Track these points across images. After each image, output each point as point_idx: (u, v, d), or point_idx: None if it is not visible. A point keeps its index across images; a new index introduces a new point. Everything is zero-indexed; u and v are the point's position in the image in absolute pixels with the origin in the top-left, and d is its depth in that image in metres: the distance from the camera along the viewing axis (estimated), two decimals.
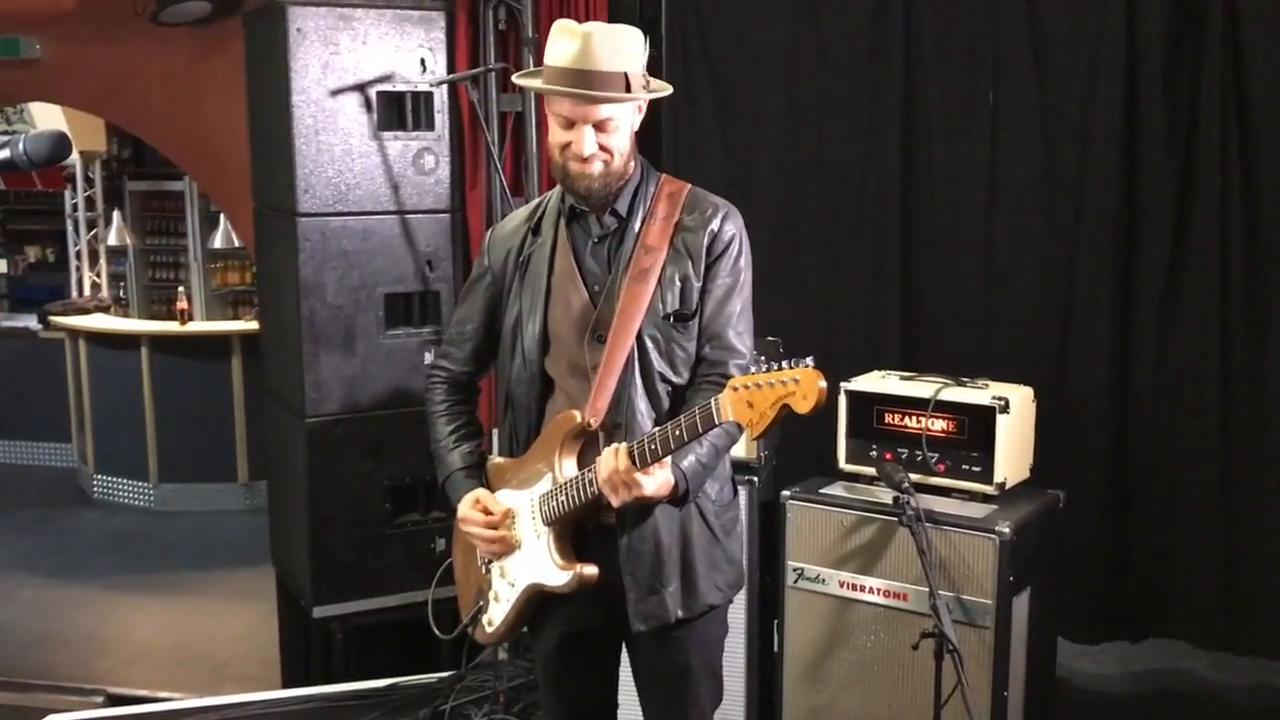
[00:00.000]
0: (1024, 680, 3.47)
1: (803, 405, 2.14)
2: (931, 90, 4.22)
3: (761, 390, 2.17)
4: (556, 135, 2.52)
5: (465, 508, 2.66)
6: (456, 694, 4.23)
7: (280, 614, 5.08)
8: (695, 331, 2.56)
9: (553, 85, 2.47)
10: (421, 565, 4.51)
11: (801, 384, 2.14)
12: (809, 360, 2.17)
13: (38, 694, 5.19)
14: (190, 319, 8.46)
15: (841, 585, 3.55)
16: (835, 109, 4.38)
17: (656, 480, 2.39)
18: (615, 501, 2.40)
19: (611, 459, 2.37)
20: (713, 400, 2.25)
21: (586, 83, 2.43)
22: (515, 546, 2.61)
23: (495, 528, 2.62)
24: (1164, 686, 4.37)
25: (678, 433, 2.31)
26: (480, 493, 2.66)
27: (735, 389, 2.20)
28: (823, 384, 2.14)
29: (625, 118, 2.51)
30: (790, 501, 3.64)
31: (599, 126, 2.47)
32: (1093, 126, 3.96)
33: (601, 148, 2.48)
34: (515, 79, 2.86)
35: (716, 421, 2.26)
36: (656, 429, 2.36)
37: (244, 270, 9.57)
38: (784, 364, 2.17)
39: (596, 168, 2.50)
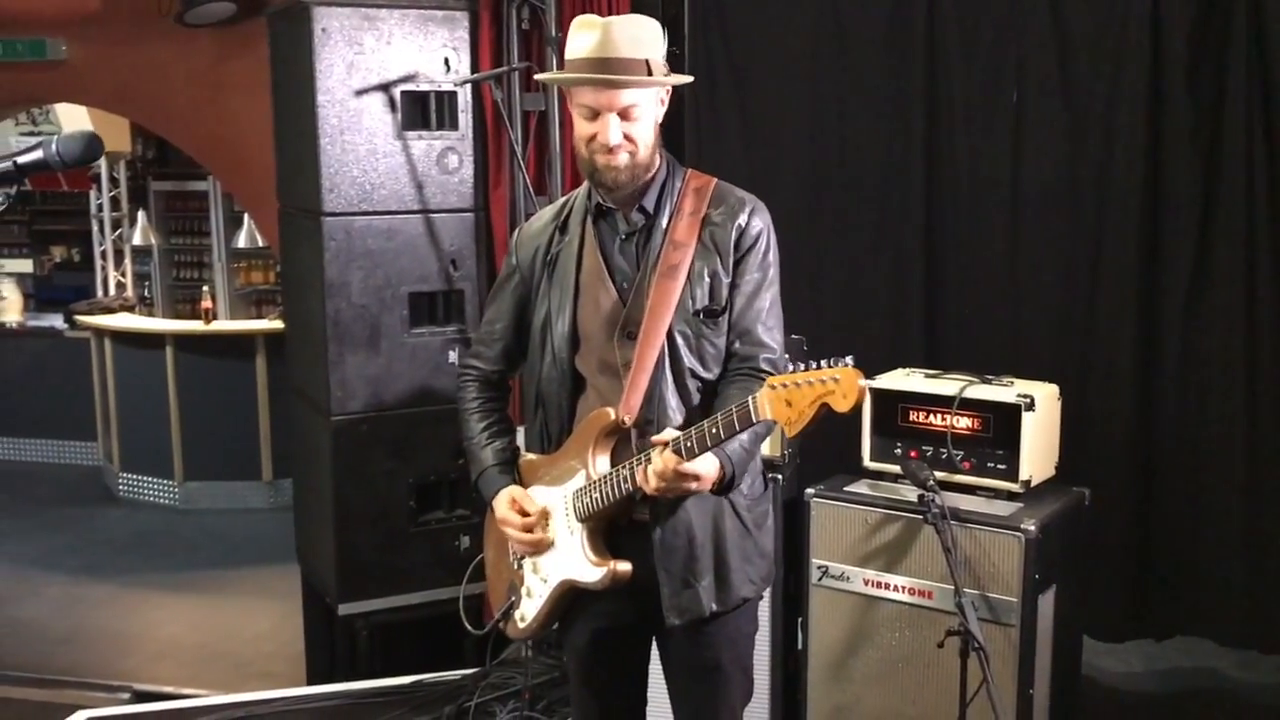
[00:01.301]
0: (1049, 678, 3.46)
1: (842, 404, 2.15)
2: (955, 87, 4.21)
3: (800, 389, 2.17)
4: (582, 128, 2.52)
5: (502, 507, 2.66)
6: (481, 691, 4.24)
7: (305, 611, 5.11)
8: (725, 327, 2.56)
9: (575, 75, 2.49)
10: (446, 563, 4.54)
11: (841, 383, 2.15)
12: (849, 359, 2.18)
13: (65, 690, 5.23)
14: (214, 318, 8.51)
15: (866, 583, 3.55)
16: (857, 106, 4.38)
17: (705, 464, 2.39)
18: (671, 495, 2.42)
19: (658, 462, 2.36)
20: (750, 399, 2.25)
21: (609, 70, 2.44)
22: (549, 544, 2.63)
23: (531, 529, 2.63)
24: (1190, 685, 4.36)
25: (715, 430, 2.31)
26: (516, 491, 2.67)
27: (773, 387, 2.21)
28: (863, 383, 2.15)
29: (649, 106, 2.51)
30: (815, 499, 3.64)
31: (623, 115, 2.47)
32: (1117, 122, 3.95)
33: (626, 138, 2.48)
34: (538, 77, 2.87)
35: (754, 420, 2.26)
36: (693, 427, 2.36)
37: (267, 270, 9.62)
38: (822, 363, 2.18)
39: (623, 159, 2.49)
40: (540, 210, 2.85)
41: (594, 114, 2.48)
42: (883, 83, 4.32)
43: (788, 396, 2.19)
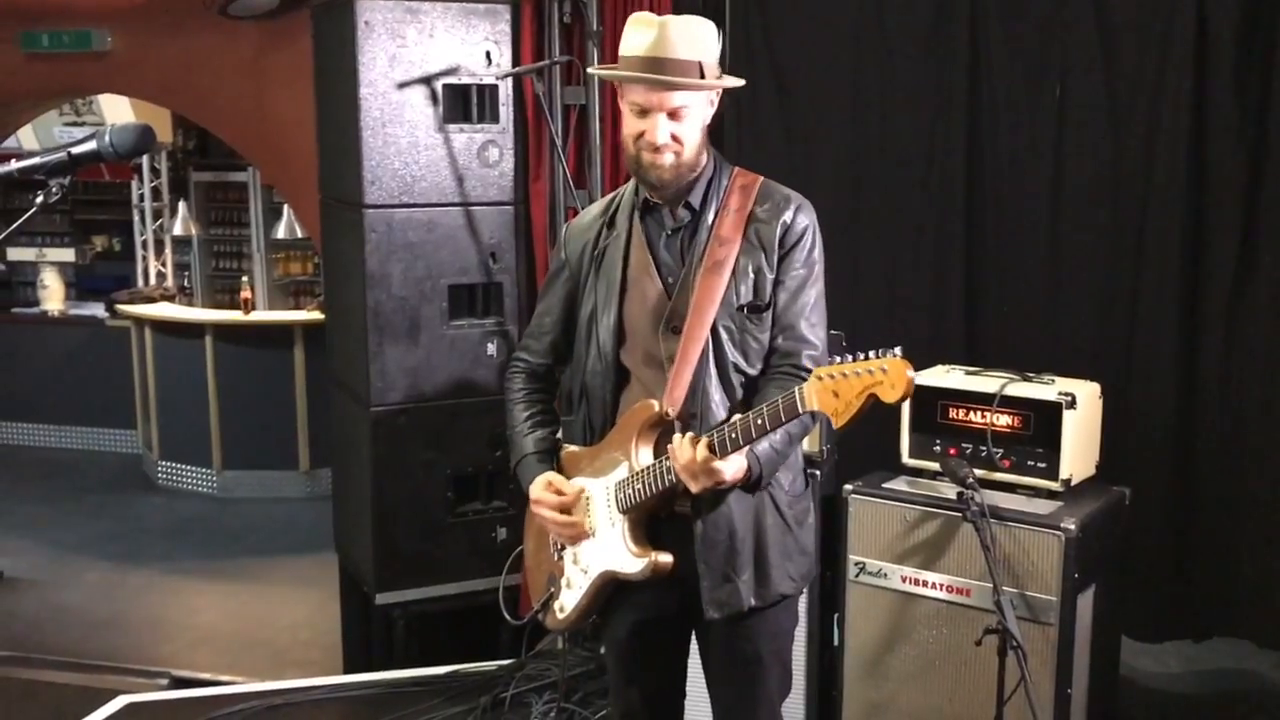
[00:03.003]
0: (1087, 678, 3.45)
1: (890, 395, 2.14)
2: (997, 82, 4.18)
3: (848, 380, 2.17)
4: (630, 125, 2.54)
5: (538, 489, 2.68)
6: (517, 682, 4.27)
7: (343, 600, 5.14)
8: (769, 323, 2.57)
9: (629, 73, 2.50)
10: (483, 554, 4.57)
11: (890, 373, 2.14)
12: (897, 350, 2.17)
13: (105, 675, 5.29)
14: (253, 308, 8.57)
15: (904, 580, 3.54)
16: (899, 101, 4.36)
17: (733, 465, 2.41)
18: (695, 488, 2.42)
19: (689, 449, 2.38)
20: (796, 390, 2.25)
21: (662, 70, 2.46)
22: (589, 533, 2.64)
23: (567, 509, 2.64)
24: (1228, 686, 4.33)
25: (759, 421, 2.32)
26: (552, 475, 2.68)
27: (820, 379, 2.20)
28: (911, 373, 2.14)
29: (698, 108, 2.53)
30: (853, 495, 3.64)
31: (672, 115, 2.49)
32: (1161, 119, 3.91)
33: (674, 137, 2.50)
34: (592, 70, 2.88)
35: (799, 411, 2.26)
36: (737, 417, 2.37)
37: (305, 261, 9.67)
38: (870, 353, 2.17)
39: (668, 159, 2.51)
40: (587, 205, 2.87)
41: (644, 112, 2.51)
42: (924, 78, 4.30)
43: (835, 387, 2.18)
